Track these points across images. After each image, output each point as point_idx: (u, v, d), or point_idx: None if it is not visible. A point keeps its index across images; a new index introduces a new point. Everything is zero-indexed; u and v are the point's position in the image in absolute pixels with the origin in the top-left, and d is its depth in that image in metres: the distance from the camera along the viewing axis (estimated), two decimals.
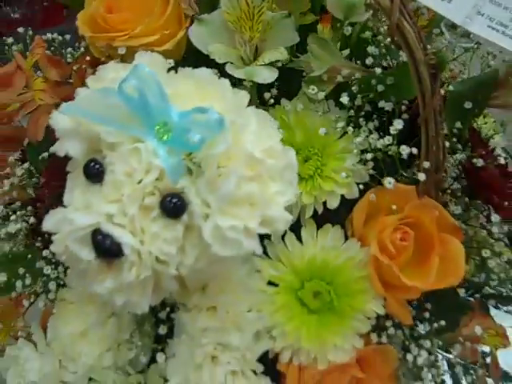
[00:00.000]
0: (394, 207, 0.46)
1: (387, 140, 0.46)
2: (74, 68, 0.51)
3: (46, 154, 0.53)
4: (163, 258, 0.40)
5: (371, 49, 0.48)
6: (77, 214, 0.40)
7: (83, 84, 0.43)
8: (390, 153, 0.47)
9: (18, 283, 0.51)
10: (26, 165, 0.56)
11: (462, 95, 0.51)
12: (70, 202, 0.42)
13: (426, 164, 0.44)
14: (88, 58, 0.50)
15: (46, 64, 0.55)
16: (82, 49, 0.55)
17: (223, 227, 0.39)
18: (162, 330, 0.48)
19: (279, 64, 0.50)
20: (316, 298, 0.48)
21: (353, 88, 0.48)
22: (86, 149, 0.42)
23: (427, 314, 0.51)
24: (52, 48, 0.60)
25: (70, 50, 0.59)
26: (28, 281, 0.51)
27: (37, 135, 0.54)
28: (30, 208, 0.54)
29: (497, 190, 0.51)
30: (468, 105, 0.51)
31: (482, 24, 0.44)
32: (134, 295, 0.42)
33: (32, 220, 0.52)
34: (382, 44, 0.49)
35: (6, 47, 0.59)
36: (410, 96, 0.48)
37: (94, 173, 0.41)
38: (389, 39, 0.48)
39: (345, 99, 0.47)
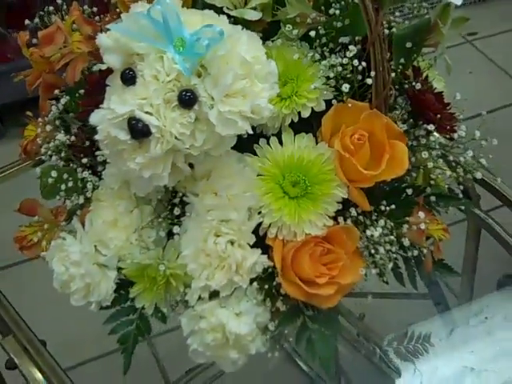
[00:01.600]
0: (350, 104, 0.61)
1: (345, 61, 0.61)
2: (106, 19, 0.67)
3: (82, 91, 0.68)
4: (180, 137, 0.55)
5: None
6: (116, 106, 0.55)
7: None
8: (348, 75, 0.62)
9: (63, 186, 0.65)
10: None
11: (404, 37, 0.67)
12: (109, 104, 0.57)
13: (373, 73, 0.59)
14: (118, 10, 0.66)
15: (81, 22, 0.70)
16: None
17: (224, 111, 0.54)
18: (176, 211, 0.62)
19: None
20: (295, 187, 0.63)
21: (319, 28, 0.63)
22: (122, 61, 0.57)
23: (383, 208, 0.65)
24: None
25: (97, 18, 0.75)
26: (70, 184, 0.65)
27: (74, 78, 0.69)
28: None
29: (432, 109, 0.67)
30: (409, 44, 0.66)
31: None
32: (158, 168, 0.56)
33: (73, 138, 0.67)
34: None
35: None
36: (362, 33, 0.64)
37: (129, 77, 0.56)
38: None
39: (312, 33, 0.62)
